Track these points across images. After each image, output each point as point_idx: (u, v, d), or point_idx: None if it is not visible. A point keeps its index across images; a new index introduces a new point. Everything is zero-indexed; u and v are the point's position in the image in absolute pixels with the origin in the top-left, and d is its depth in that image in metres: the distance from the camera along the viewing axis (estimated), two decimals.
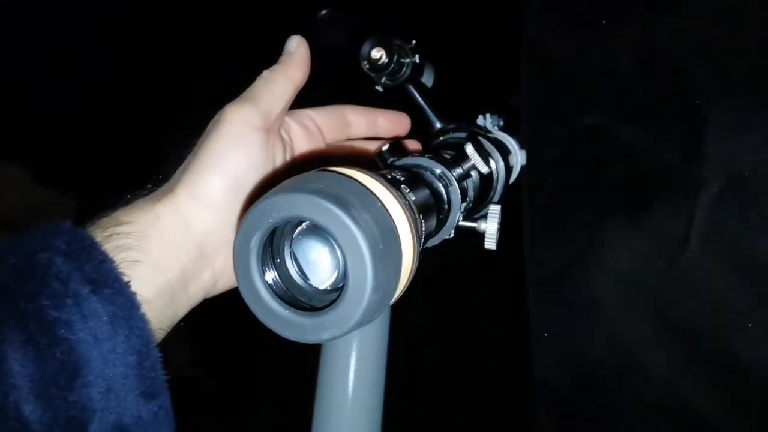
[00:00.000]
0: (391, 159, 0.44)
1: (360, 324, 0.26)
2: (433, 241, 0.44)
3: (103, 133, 1.75)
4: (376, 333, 0.71)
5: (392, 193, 0.29)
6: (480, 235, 0.47)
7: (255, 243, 0.26)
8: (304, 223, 0.28)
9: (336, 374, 0.69)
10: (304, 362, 0.72)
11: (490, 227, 0.47)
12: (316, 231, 0.28)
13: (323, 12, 0.66)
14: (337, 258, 0.28)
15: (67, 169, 1.74)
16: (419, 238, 0.32)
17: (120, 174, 1.67)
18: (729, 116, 0.56)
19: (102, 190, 1.77)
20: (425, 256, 0.39)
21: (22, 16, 1.68)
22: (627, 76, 0.64)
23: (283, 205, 0.25)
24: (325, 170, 0.28)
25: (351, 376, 0.68)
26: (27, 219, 1.68)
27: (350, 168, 0.29)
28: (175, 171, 0.39)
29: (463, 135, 0.57)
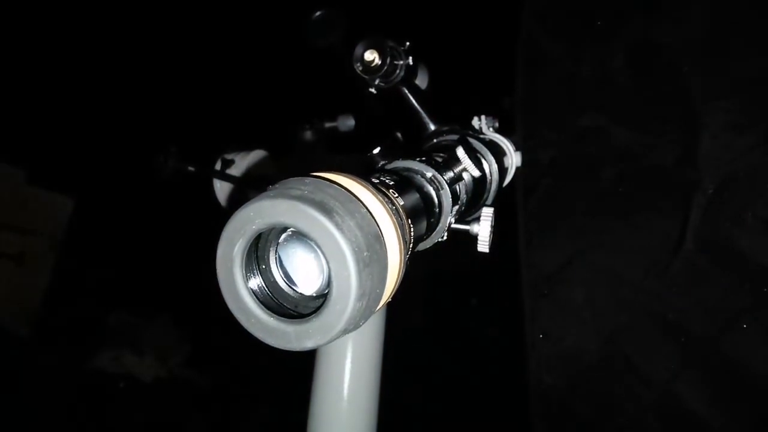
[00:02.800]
0: (382, 162, 0.44)
1: (345, 331, 0.25)
2: (425, 244, 0.44)
3: (102, 133, 1.75)
4: (372, 334, 0.71)
5: (379, 199, 0.29)
6: (473, 238, 0.47)
7: (239, 250, 0.26)
8: (290, 228, 0.28)
9: (331, 375, 0.68)
10: (300, 363, 0.72)
11: (483, 230, 0.46)
12: (302, 236, 0.28)
13: (317, 14, 0.65)
14: (322, 264, 0.28)
15: (63, 170, 1.74)
16: (407, 243, 0.32)
17: (117, 174, 1.67)
18: (723, 118, 0.55)
19: (100, 191, 1.77)
20: (418, 259, 0.39)
21: (20, 15, 1.68)
22: (621, 77, 0.63)
23: (265, 211, 0.25)
24: (311, 175, 0.28)
25: (346, 377, 0.68)
26: (25, 219, 1.68)
27: (336, 173, 0.28)
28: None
29: (455, 137, 0.56)
